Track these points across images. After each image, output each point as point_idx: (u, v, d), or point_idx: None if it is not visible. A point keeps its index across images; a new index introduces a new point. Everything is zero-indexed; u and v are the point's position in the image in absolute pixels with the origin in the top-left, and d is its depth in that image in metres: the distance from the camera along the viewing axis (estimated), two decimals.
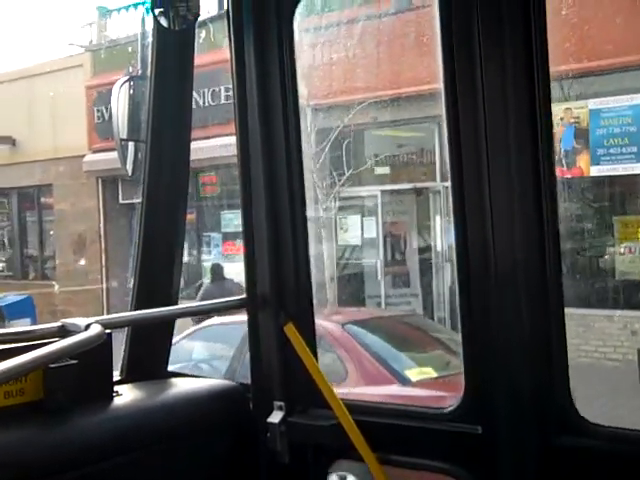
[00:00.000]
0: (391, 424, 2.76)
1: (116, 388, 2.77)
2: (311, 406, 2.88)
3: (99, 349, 2.55)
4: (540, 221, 2.42)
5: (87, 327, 2.38)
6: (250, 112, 2.90)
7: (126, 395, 2.76)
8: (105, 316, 2.69)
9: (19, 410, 2.44)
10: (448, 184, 2.61)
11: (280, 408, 2.91)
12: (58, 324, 2.47)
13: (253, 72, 2.88)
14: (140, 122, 3.24)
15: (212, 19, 8.05)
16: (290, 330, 2.87)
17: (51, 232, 22.05)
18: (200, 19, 3.03)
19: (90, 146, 19.98)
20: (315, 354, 2.88)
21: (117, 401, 2.70)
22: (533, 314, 2.48)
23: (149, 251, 3.04)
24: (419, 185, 15.23)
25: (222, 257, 17.65)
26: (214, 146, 13.99)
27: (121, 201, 19.97)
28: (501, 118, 2.43)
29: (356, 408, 2.80)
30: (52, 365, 2.44)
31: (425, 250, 15.41)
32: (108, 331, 2.62)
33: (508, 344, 2.51)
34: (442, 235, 14.92)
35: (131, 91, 3.36)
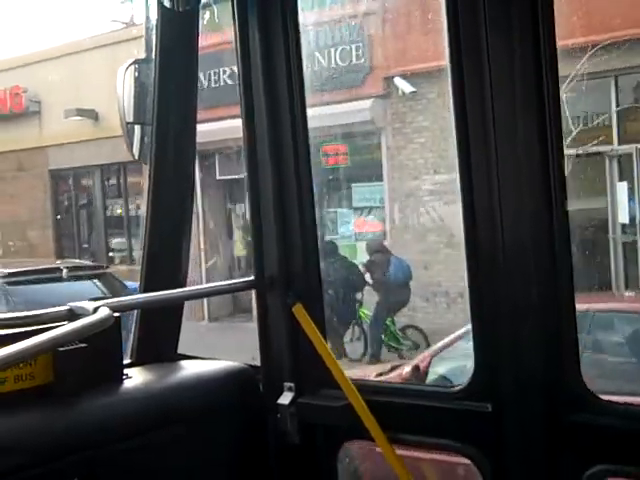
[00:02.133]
0: (401, 404, 2.76)
1: (126, 371, 2.77)
2: (321, 387, 2.88)
3: (108, 332, 2.55)
4: (548, 194, 2.41)
5: (95, 310, 2.37)
6: (255, 92, 2.88)
7: (136, 378, 2.76)
8: (114, 299, 2.69)
9: (29, 394, 2.44)
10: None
11: (290, 389, 2.91)
12: (66, 307, 2.46)
13: (258, 52, 2.86)
14: (146, 105, 3.23)
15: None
16: (299, 311, 2.86)
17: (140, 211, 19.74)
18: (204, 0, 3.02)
19: None
20: (324, 334, 2.88)
21: (127, 384, 2.70)
22: (542, 291, 2.47)
23: (157, 234, 3.03)
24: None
25: (353, 236, 15.42)
26: (341, 112, 13.24)
27: (218, 177, 18.19)
28: (507, 86, 2.41)
29: (366, 388, 2.80)
30: (62, 349, 2.45)
31: None
32: (117, 314, 2.63)
33: (517, 322, 2.50)
34: None
35: (136, 74, 3.35)
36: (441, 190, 12.92)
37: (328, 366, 2.82)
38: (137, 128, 3.33)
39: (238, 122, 3.01)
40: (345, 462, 3.02)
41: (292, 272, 2.92)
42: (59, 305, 2.49)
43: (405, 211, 14.32)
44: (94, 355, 2.53)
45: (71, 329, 2.17)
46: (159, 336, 3.07)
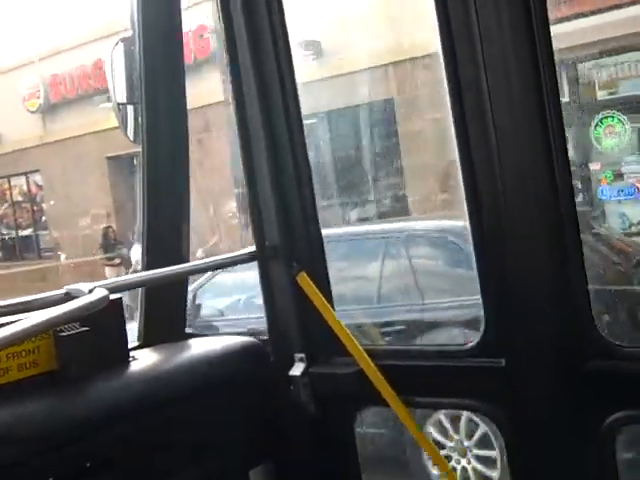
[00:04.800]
0: (414, 365, 2.71)
1: (133, 353, 2.73)
2: (332, 355, 2.84)
3: (111, 314, 2.52)
4: (547, 147, 2.34)
5: (91, 291, 2.33)
6: (240, 53, 2.81)
7: (143, 359, 2.72)
8: (113, 279, 2.65)
9: (34, 382, 2.41)
10: None
11: (301, 360, 2.87)
12: (62, 291, 2.42)
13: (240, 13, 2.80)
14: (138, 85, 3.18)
15: None
16: (303, 280, 2.81)
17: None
18: None
19: None
20: (331, 302, 2.83)
21: (134, 365, 2.67)
22: (548, 240, 2.41)
23: (155, 212, 2.99)
24: None
25: None
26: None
27: None
28: (498, 42, 2.34)
29: (377, 353, 2.75)
30: (64, 334, 2.42)
31: None
32: (119, 295, 2.59)
33: (525, 273, 2.44)
34: None
35: (125, 53, 3.30)
36: None
37: (337, 334, 2.78)
38: (130, 109, 3.28)
39: None
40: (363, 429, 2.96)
41: (294, 240, 2.87)
42: None
43: None
44: (97, 339, 2.49)
45: (66, 310, 2.12)
46: (165, 316, 3.03)
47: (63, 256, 22.41)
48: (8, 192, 24.92)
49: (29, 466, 2.27)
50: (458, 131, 2.44)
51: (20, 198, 24.85)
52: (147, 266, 2.95)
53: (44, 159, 22.07)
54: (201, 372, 2.81)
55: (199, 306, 7.62)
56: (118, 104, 3.29)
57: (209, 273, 7.54)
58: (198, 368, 2.82)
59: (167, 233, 3.01)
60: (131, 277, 2.76)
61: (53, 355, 2.45)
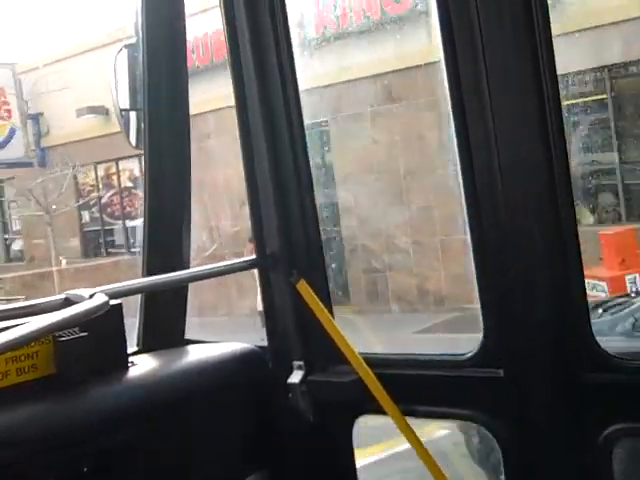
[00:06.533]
0: (412, 375, 2.71)
1: (132, 359, 2.73)
2: (330, 363, 2.84)
3: (110, 320, 2.52)
4: (547, 147, 2.33)
5: (91, 297, 2.34)
6: (242, 52, 2.82)
7: (142, 365, 2.73)
8: (113, 285, 2.65)
9: (33, 386, 2.42)
10: None
11: (300, 367, 2.87)
12: (62, 296, 2.43)
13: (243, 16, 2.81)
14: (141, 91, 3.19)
15: None
16: (303, 287, 2.82)
17: None
18: None
19: None
20: (330, 310, 2.83)
21: (133, 371, 2.67)
22: (548, 254, 2.41)
23: (156, 218, 2.99)
24: None
25: None
26: None
27: None
28: (499, 45, 2.35)
29: (376, 361, 2.75)
30: (63, 339, 2.42)
31: None
32: (118, 301, 2.59)
33: (524, 285, 2.44)
34: None
35: (128, 59, 3.31)
36: None
37: (336, 342, 2.78)
38: (132, 115, 3.29)
39: None
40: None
41: (294, 249, 2.87)
42: None
43: None
44: (96, 344, 2.50)
45: (66, 315, 2.13)
46: (165, 322, 3.03)
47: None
48: (115, 177, 22.69)
49: (27, 469, 2.28)
50: (458, 133, 2.44)
51: (130, 184, 22.32)
52: (147, 272, 2.95)
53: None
54: (199, 378, 2.81)
55: None
56: (121, 110, 3.30)
57: None
58: (197, 374, 2.82)
59: (168, 239, 3.01)
60: (131, 283, 2.76)
61: (52, 360, 2.45)
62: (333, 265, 13.12)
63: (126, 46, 3.31)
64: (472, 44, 2.36)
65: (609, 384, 2.37)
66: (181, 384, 2.75)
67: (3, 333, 1.91)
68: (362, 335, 10.66)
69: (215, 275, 2.93)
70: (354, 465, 2.91)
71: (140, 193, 20.76)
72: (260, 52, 2.82)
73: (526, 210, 2.39)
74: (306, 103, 2.82)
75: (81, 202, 23.46)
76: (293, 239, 2.86)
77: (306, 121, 2.82)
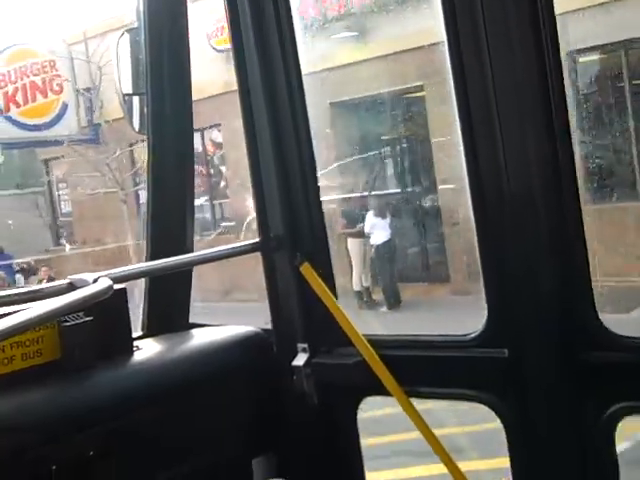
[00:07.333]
0: (416, 356, 2.72)
1: (137, 343, 2.74)
2: (334, 345, 2.85)
3: (115, 304, 2.53)
4: (552, 136, 2.33)
5: (95, 281, 2.34)
6: (245, 36, 2.81)
7: (147, 349, 2.74)
8: (117, 269, 2.65)
9: (38, 371, 2.42)
10: None
11: (304, 350, 2.88)
12: (66, 281, 2.44)
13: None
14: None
15: None
16: (307, 270, 2.82)
17: None
18: None
19: None
20: (334, 292, 2.83)
21: (137, 355, 2.68)
22: (551, 232, 2.41)
23: (160, 202, 2.99)
24: None
25: None
26: None
27: None
28: (503, 32, 2.34)
29: (379, 343, 2.75)
30: (67, 323, 2.43)
31: None
32: (123, 285, 2.60)
33: (528, 264, 2.44)
34: None
35: (131, 44, 3.30)
36: None
37: (340, 324, 2.78)
38: (136, 99, 3.28)
39: None
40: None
41: (297, 231, 2.87)
42: None
43: None
44: (101, 328, 2.51)
45: (70, 300, 2.14)
46: (169, 306, 3.04)
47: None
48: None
49: (32, 454, 2.29)
50: (462, 122, 2.44)
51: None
52: (151, 256, 2.95)
53: (228, 110, 16.77)
54: (204, 362, 2.82)
55: None
56: (124, 95, 3.29)
57: None
58: (201, 358, 2.83)
59: (172, 223, 3.01)
60: (135, 267, 2.76)
61: (57, 344, 2.46)
62: None
63: (128, 30, 3.30)
64: (477, 44, 2.36)
65: (613, 363, 2.37)
66: (186, 368, 2.76)
67: (7, 318, 1.92)
68: None
69: (219, 259, 2.93)
70: (359, 445, 2.92)
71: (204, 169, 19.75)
72: (263, 36, 2.82)
73: (530, 188, 2.39)
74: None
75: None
76: (297, 222, 2.87)
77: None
